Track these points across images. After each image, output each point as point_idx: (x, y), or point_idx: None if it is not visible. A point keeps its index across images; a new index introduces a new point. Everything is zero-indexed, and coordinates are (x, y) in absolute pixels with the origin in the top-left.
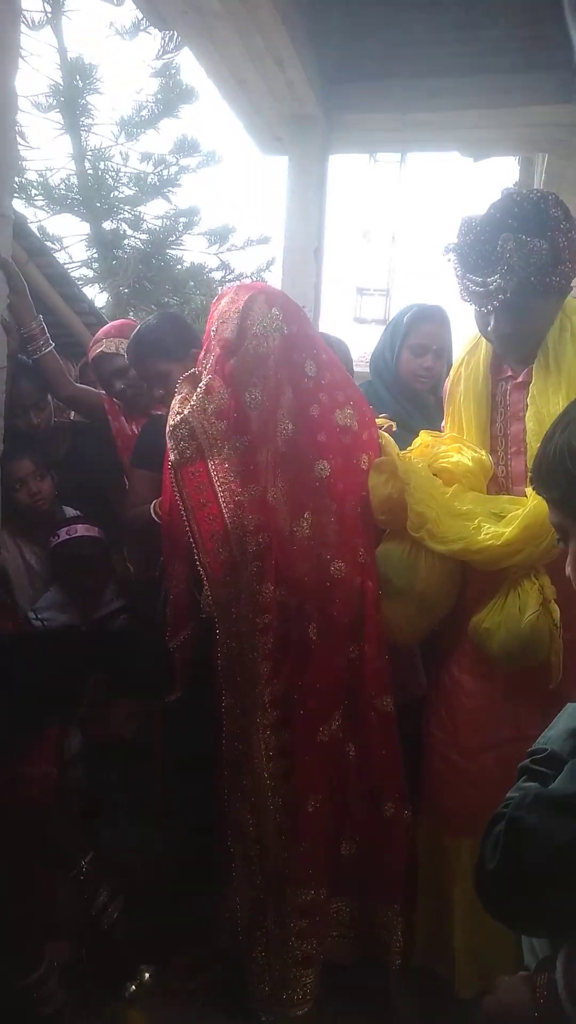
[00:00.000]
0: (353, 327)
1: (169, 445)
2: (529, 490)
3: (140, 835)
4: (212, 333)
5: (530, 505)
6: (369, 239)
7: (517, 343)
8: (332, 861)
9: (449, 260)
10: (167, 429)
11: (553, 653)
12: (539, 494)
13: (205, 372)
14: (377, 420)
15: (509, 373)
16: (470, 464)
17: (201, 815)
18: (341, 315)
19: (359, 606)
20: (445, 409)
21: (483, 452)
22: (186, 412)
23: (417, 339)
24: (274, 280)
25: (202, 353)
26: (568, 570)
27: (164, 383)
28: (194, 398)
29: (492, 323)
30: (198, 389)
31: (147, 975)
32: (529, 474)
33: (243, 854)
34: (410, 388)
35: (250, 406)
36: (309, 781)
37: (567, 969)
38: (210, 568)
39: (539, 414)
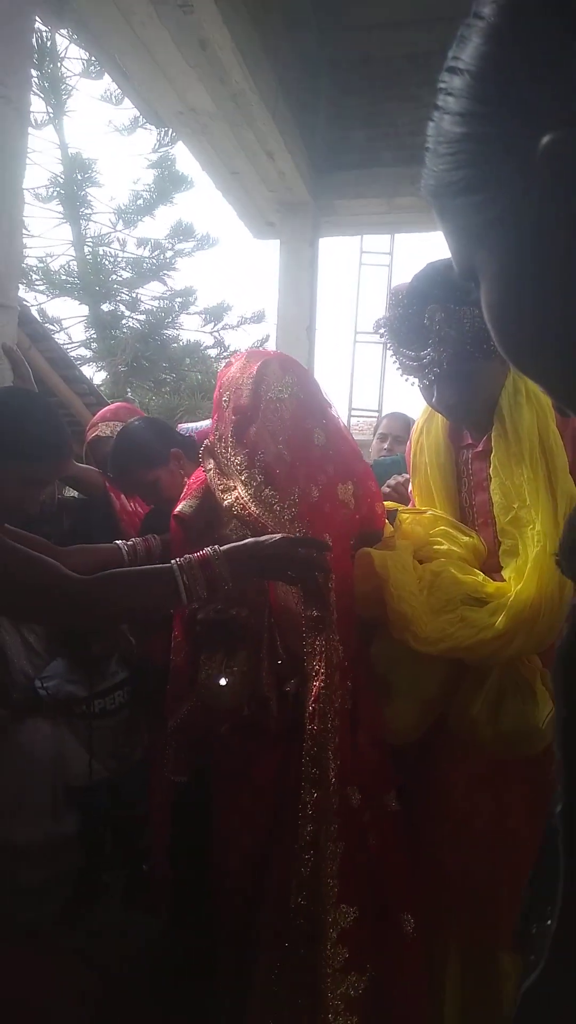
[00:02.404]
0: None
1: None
2: (509, 573)
3: (133, 919)
4: (223, 403)
5: (514, 591)
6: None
7: (466, 412)
8: None
9: (381, 336)
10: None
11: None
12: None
13: (230, 448)
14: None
15: (469, 441)
16: (461, 552)
17: (198, 905)
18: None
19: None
20: (411, 480)
21: (473, 533)
22: (249, 504)
23: None
24: None
25: (212, 423)
26: None
27: (154, 491)
28: (243, 486)
29: (435, 394)
30: (245, 476)
31: None
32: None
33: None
34: None
35: (279, 469)
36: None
37: None
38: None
39: (503, 487)
